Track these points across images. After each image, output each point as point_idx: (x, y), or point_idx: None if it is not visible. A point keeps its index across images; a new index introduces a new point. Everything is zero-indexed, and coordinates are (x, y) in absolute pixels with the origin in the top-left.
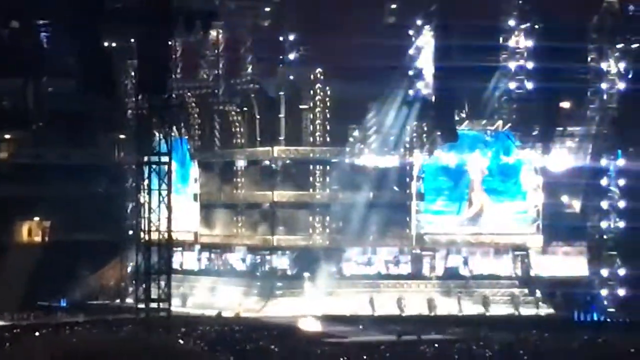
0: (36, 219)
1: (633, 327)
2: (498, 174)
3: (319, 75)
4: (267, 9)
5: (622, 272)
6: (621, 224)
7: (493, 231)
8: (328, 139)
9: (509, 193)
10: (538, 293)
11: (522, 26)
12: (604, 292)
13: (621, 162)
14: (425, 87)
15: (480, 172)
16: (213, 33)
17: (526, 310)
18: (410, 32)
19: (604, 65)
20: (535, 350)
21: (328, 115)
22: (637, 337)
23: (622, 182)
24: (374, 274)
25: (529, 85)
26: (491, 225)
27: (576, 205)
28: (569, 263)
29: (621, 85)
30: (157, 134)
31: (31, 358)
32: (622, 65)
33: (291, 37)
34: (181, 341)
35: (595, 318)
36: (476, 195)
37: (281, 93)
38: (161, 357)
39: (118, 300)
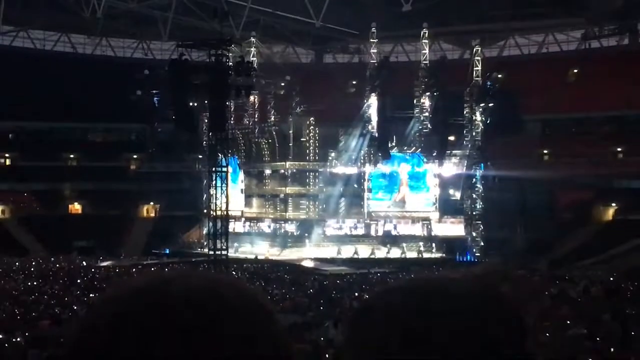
0: (151, 203)
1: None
2: (414, 178)
3: (312, 122)
4: (282, 84)
5: (483, 233)
6: (482, 206)
7: (411, 209)
8: (317, 158)
9: (420, 188)
10: (435, 245)
11: (427, 93)
12: (473, 244)
13: (483, 170)
14: (372, 128)
15: (405, 176)
16: (252, 97)
17: (428, 255)
18: (363, 97)
19: (473, 115)
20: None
21: (317, 144)
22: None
23: (483, 182)
24: (343, 235)
25: (431, 126)
26: (410, 206)
27: (457, 195)
28: (453, 228)
29: (482, 127)
30: (220, 155)
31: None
32: (483, 115)
33: (296, 100)
34: (233, 272)
35: (468, 259)
36: (403, 189)
37: (290, 131)
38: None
39: (199, 249)
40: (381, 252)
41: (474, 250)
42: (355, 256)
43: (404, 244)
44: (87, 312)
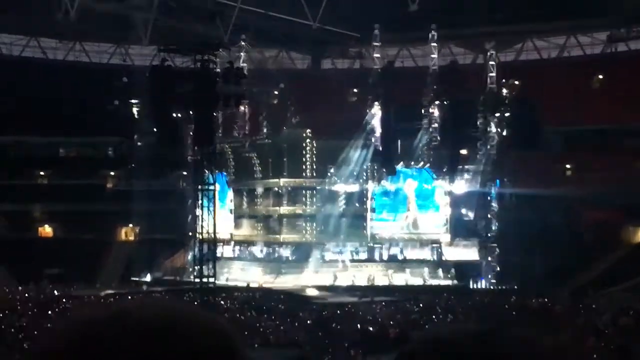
0: (130, 225)
1: (506, 292)
2: (422, 196)
3: (308, 134)
4: (276, 92)
5: (499, 257)
6: (498, 227)
7: (419, 231)
8: (314, 174)
9: (428, 207)
10: (446, 271)
11: (436, 102)
12: (488, 269)
13: (498, 188)
14: (375, 140)
15: (412, 194)
16: (242, 107)
17: (439, 282)
18: (366, 106)
19: (487, 127)
20: (446, 306)
21: (314, 159)
22: (508, 298)
23: (499, 200)
24: (343, 259)
25: (441, 139)
26: (419, 228)
27: (470, 215)
28: (466, 252)
29: (498, 139)
30: (206, 171)
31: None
32: (499, 127)
33: (291, 110)
34: (222, 302)
35: (483, 286)
36: (412, 209)
37: (285, 145)
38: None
39: (183, 277)
40: (386, 279)
41: (489, 276)
42: (357, 283)
43: (413, 270)
44: (42, 343)
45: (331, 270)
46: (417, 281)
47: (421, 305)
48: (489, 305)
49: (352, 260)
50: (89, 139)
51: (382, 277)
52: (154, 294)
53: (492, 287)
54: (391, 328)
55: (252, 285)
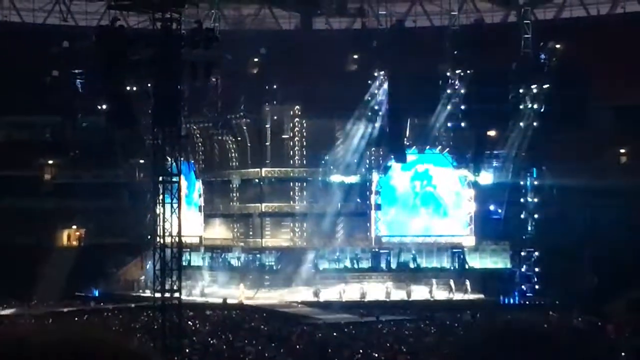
0: (74, 227)
1: (545, 308)
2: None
3: (296, 112)
4: (255, 60)
5: (536, 264)
6: (535, 227)
7: (436, 233)
8: (304, 162)
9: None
10: (471, 282)
11: (457, 71)
12: (522, 280)
13: (536, 178)
14: (381, 119)
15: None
16: (213, 78)
17: (461, 296)
18: (369, 77)
19: (521, 102)
20: (469, 326)
21: (304, 143)
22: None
23: (536, 193)
24: (341, 269)
25: (463, 118)
26: (435, 229)
27: (500, 212)
28: (495, 258)
29: (534, 117)
30: (169, 159)
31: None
32: (536, 102)
33: (274, 81)
34: (190, 323)
35: (516, 301)
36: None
37: (267, 126)
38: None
39: (140, 291)
40: (395, 293)
41: (524, 288)
42: (359, 298)
43: (427, 281)
44: None
45: (326, 283)
46: (433, 295)
47: (438, 325)
48: (523, 325)
49: (353, 270)
50: (22, 118)
51: (389, 290)
52: (106, 313)
53: (527, 302)
54: (401, 354)
55: (228, 301)
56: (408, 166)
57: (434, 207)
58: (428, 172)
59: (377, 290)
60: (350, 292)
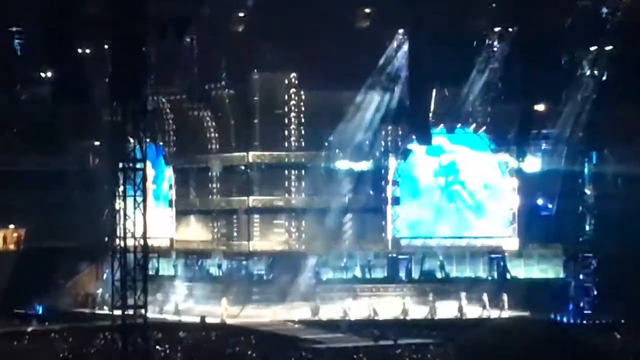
0: (11, 226)
1: (606, 328)
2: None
3: (293, 80)
4: (241, 15)
5: (597, 273)
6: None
7: (470, 234)
8: (303, 144)
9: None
10: (513, 296)
11: (495, 29)
12: (578, 293)
13: (595, 165)
14: (399, 90)
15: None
16: (187, 39)
17: (501, 313)
18: (384, 37)
19: (577, 68)
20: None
21: (303, 120)
22: (610, 337)
23: (596, 184)
24: (350, 279)
25: (503, 88)
26: (469, 228)
27: (551, 207)
28: (544, 266)
29: (594, 88)
30: (131, 140)
31: None
32: (596, 68)
33: (264, 43)
34: (158, 347)
35: (572, 321)
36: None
37: (255, 98)
38: None
39: (96, 308)
40: (417, 310)
41: (581, 303)
42: (374, 317)
43: (458, 295)
44: None
45: (330, 297)
46: (464, 313)
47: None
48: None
49: (364, 280)
50: None
51: (411, 305)
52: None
53: (585, 322)
54: None
55: (206, 320)
56: (434, 150)
57: (466, 202)
58: (455, 160)
59: (394, 306)
60: (360, 308)
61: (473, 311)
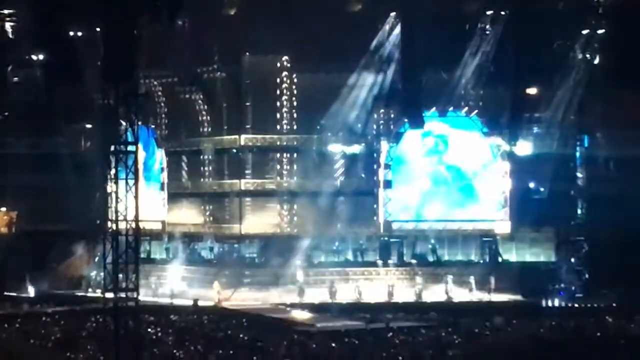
0: (2, 209)
1: (598, 312)
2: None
3: (285, 63)
4: None
5: (588, 257)
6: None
7: (462, 218)
8: (295, 127)
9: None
10: (505, 279)
11: (488, 12)
12: (570, 277)
13: (587, 148)
14: (391, 73)
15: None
16: (179, 21)
17: (492, 296)
18: (377, 20)
19: (569, 51)
20: (503, 336)
21: (295, 103)
22: (601, 321)
23: (587, 167)
24: (342, 262)
25: (495, 71)
26: (461, 211)
27: (543, 191)
28: (536, 249)
29: (586, 71)
30: (123, 123)
31: None
32: (588, 51)
33: (256, 25)
34: (150, 330)
35: (562, 303)
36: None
37: (247, 81)
38: None
39: (88, 290)
40: (409, 292)
41: (573, 287)
42: (364, 300)
43: (450, 278)
44: None
45: (323, 280)
46: (458, 295)
47: (463, 333)
48: (570, 332)
49: (356, 264)
50: None
51: (403, 289)
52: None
53: (576, 305)
54: None
55: (199, 303)
56: (426, 133)
57: (458, 185)
58: (448, 143)
59: (386, 289)
60: (352, 291)
61: (462, 294)
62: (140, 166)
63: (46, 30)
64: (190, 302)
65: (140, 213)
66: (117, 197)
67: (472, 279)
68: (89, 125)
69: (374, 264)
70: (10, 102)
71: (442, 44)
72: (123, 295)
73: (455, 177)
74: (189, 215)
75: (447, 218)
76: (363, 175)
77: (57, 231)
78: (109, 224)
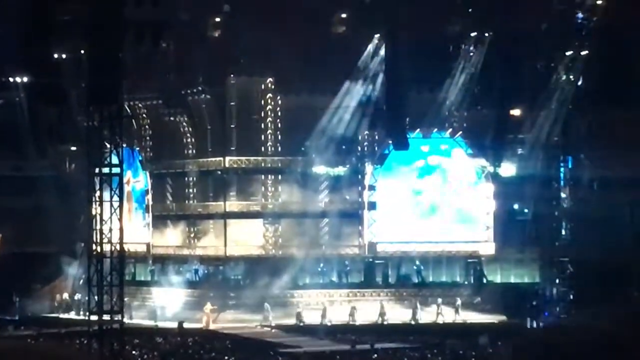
0: None
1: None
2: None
3: (269, 85)
4: (217, 20)
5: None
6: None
7: (447, 239)
8: (279, 149)
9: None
10: (490, 300)
11: (472, 34)
12: (555, 298)
13: (571, 169)
14: (376, 95)
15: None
16: (163, 44)
17: (477, 317)
18: (361, 41)
19: (553, 73)
20: (487, 356)
21: (279, 125)
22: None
23: (572, 189)
24: (327, 283)
25: (479, 93)
26: (446, 233)
27: (527, 212)
28: (520, 270)
29: (570, 93)
30: (107, 145)
31: None
32: (572, 73)
33: (241, 48)
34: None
35: (547, 323)
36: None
37: (232, 103)
38: None
39: (72, 313)
40: (394, 314)
41: (557, 308)
42: (351, 321)
43: (435, 299)
44: None
45: (308, 302)
46: (443, 316)
47: (448, 355)
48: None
49: (341, 285)
50: None
51: (388, 310)
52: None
53: (559, 326)
54: None
55: (184, 326)
56: (410, 154)
57: (442, 206)
58: (431, 164)
59: (371, 310)
60: (337, 313)
61: (448, 316)
62: (125, 188)
63: (30, 52)
64: (174, 325)
65: (124, 235)
66: (101, 220)
67: (457, 301)
68: (73, 148)
69: (359, 286)
70: None
71: (426, 65)
72: (108, 317)
73: (441, 199)
74: (173, 237)
75: (432, 240)
76: (347, 197)
77: (42, 254)
78: (94, 246)
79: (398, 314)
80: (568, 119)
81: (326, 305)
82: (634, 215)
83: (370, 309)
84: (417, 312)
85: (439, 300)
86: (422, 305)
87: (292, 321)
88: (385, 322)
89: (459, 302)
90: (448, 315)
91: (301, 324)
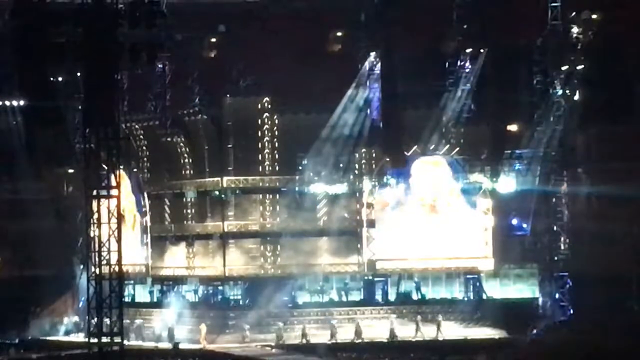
0: None
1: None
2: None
3: (266, 105)
4: (213, 40)
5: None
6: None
7: (446, 255)
8: (277, 168)
9: None
10: (489, 316)
11: (467, 50)
12: (554, 312)
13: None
14: (372, 113)
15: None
16: (159, 65)
17: (478, 332)
18: (357, 59)
19: (549, 87)
20: None
21: (276, 144)
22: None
23: (570, 204)
24: (326, 302)
25: (476, 109)
26: (444, 250)
27: (526, 227)
28: (520, 285)
29: (566, 107)
30: (105, 167)
31: None
32: (567, 88)
33: (238, 67)
34: None
35: None
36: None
37: (229, 123)
38: None
39: (71, 335)
40: (395, 331)
41: (556, 322)
42: (353, 339)
43: (435, 316)
44: None
45: (307, 320)
46: (443, 333)
47: None
48: None
49: (341, 303)
50: None
51: (388, 327)
52: None
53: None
54: None
55: (181, 346)
56: (407, 171)
57: (440, 222)
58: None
59: (371, 328)
60: (338, 331)
61: (449, 332)
62: (123, 210)
63: (26, 75)
64: (170, 346)
65: (123, 257)
66: (100, 242)
67: (459, 317)
68: (70, 170)
69: (359, 304)
70: None
71: (422, 82)
72: (107, 339)
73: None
74: (172, 258)
75: (432, 256)
76: (346, 215)
77: (40, 277)
78: (93, 268)
79: (399, 331)
80: (565, 134)
81: (316, 325)
82: (632, 231)
83: (374, 326)
84: (420, 328)
85: (440, 317)
86: (423, 321)
87: (292, 341)
88: (394, 339)
89: (440, 318)
90: (447, 331)
91: (305, 342)
